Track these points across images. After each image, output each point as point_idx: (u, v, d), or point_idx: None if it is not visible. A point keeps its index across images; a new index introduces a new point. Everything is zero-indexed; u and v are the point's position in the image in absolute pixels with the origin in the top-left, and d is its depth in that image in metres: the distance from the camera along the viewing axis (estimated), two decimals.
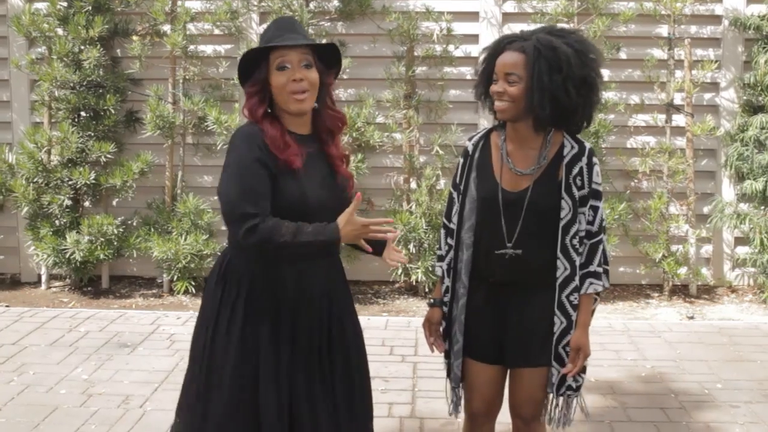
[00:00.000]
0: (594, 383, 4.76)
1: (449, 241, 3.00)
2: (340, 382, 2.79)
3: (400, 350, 5.32)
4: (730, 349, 5.38)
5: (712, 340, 5.55)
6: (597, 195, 2.85)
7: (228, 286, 2.74)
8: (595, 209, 2.85)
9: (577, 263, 2.84)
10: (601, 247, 2.87)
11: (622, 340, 5.56)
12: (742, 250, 6.72)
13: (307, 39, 2.75)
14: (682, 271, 6.51)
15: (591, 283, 2.86)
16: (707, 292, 6.77)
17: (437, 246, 3.10)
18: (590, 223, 2.85)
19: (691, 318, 6.12)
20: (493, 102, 2.86)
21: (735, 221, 6.45)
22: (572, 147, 2.84)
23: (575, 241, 2.82)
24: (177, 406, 2.94)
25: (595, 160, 2.85)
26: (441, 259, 3.04)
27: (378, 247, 3.01)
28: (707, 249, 6.81)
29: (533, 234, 2.83)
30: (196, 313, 2.92)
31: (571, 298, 2.86)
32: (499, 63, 2.80)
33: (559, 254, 2.82)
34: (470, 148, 2.97)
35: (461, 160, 2.99)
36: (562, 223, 2.81)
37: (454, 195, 2.99)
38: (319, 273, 2.78)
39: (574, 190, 2.81)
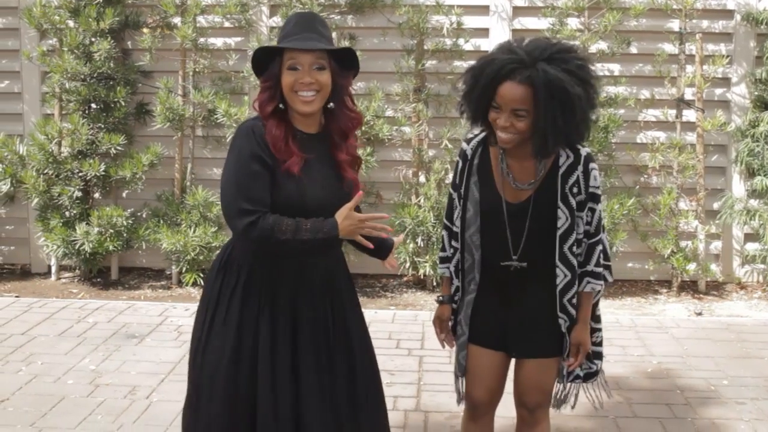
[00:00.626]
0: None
1: (454, 243, 3.01)
2: (343, 376, 2.79)
3: (406, 344, 5.33)
4: (738, 346, 5.37)
5: (720, 337, 5.54)
6: (595, 198, 2.85)
7: (228, 275, 2.76)
8: (593, 211, 2.86)
9: (577, 268, 2.87)
10: (599, 247, 2.89)
11: (629, 335, 5.55)
12: (752, 247, 6.69)
13: (322, 41, 2.70)
14: (691, 267, 6.48)
15: (588, 282, 2.89)
16: (716, 288, 6.74)
17: (440, 247, 3.10)
18: (588, 224, 2.86)
19: (699, 314, 6.10)
20: (490, 124, 2.81)
21: (745, 217, 6.43)
22: (567, 157, 2.83)
23: (574, 248, 2.84)
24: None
25: (592, 165, 2.84)
26: (446, 260, 3.06)
27: (383, 251, 3.02)
28: (716, 245, 6.78)
29: (536, 245, 2.85)
30: None
31: (573, 301, 2.89)
32: (505, 95, 2.69)
33: (557, 263, 2.85)
34: (468, 152, 2.95)
35: (459, 163, 2.98)
36: (559, 233, 2.83)
37: (455, 197, 2.99)
38: (320, 265, 2.79)
39: (571, 199, 2.82)
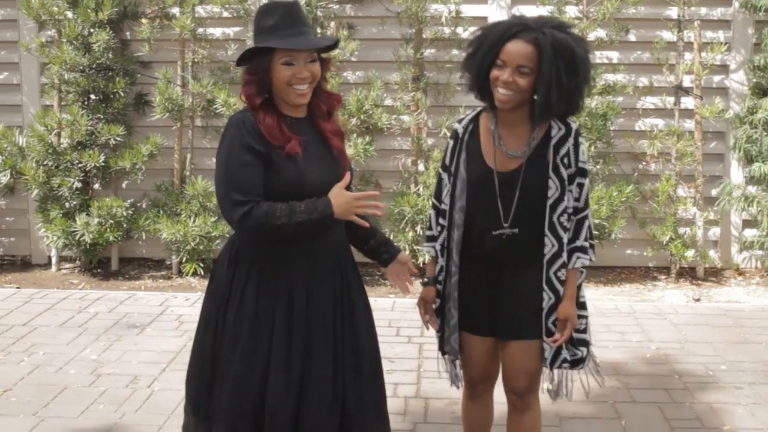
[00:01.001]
0: (599, 364, 4.78)
1: (441, 221, 3.05)
2: (349, 361, 2.82)
3: (406, 331, 5.36)
4: (736, 331, 5.39)
5: (718, 322, 5.56)
6: (583, 173, 2.92)
7: (239, 268, 2.76)
8: (581, 186, 2.92)
9: (565, 240, 2.91)
10: (587, 222, 2.95)
11: (627, 321, 5.58)
12: (750, 233, 6.70)
13: (311, 33, 2.74)
14: (690, 253, 6.51)
15: (578, 258, 2.94)
16: (714, 274, 6.76)
17: (427, 226, 3.14)
18: (576, 199, 2.92)
19: (698, 300, 6.13)
20: (489, 87, 2.86)
21: (743, 204, 6.44)
22: (559, 129, 2.90)
23: (563, 219, 2.89)
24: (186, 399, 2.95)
25: (581, 140, 2.92)
26: (432, 239, 3.09)
27: (383, 255, 3.05)
28: (715, 232, 6.80)
29: (526, 213, 2.90)
30: (204, 295, 2.92)
31: (559, 273, 2.93)
32: (511, 51, 2.77)
33: (546, 231, 2.89)
34: (460, 131, 3.01)
35: (451, 142, 3.03)
36: (549, 202, 2.88)
37: (444, 176, 3.04)
38: (330, 251, 2.82)
39: (562, 169, 2.88)
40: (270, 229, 2.61)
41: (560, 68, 2.74)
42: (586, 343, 3.04)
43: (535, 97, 2.85)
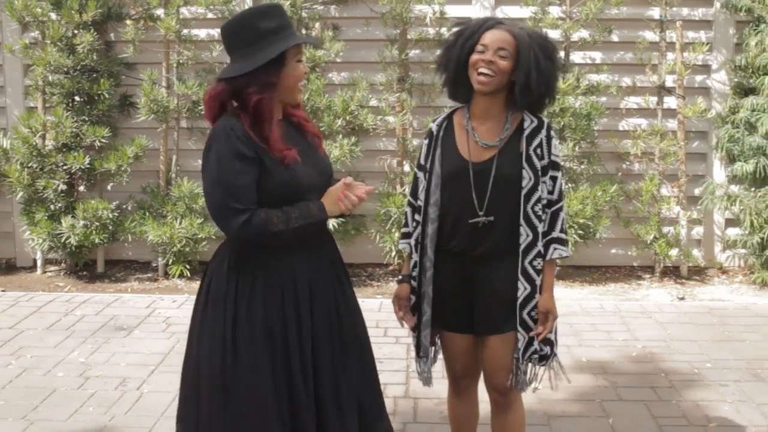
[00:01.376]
0: (585, 363, 4.83)
1: (416, 217, 3.10)
2: (353, 353, 2.84)
3: (393, 332, 5.37)
4: (720, 329, 5.45)
5: (703, 321, 5.62)
6: (555, 166, 3.00)
7: (243, 274, 2.72)
8: (554, 179, 2.99)
9: (540, 230, 2.96)
10: (561, 214, 3.01)
11: (613, 320, 5.62)
12: (733, 232, 6.77)
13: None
14: (674, 252, 6.57)
15: (555, 249, 2.99)
16: (698, 273, 6.83)
17: (403, 224, 3.19)
18: (550, 192, 2.99)
19: (682, 299, 6.18)
20: (466, 77, 2.94)
21: (726, 203, 6.50)
22: (531, 121, 3.00)
23: (537, 209, 2.95)
24: (182, 415, 2.87)
25: (552, 133, 3.01)
26: (407, 236, 3.14)
27: None
28: (698, 230, 6.86)
29: (501, 202, 2.95)
30: (191, 296, 2.89)
31: (534, 263, 2.97)
32: (491, 37, 2.89)
33: (521, 221, 2.95)
34: (434, 129, 3.09)
35: (426, 141, 3.10)
36: (523, 192, 2.95)
37: (420, 175, 3.10)
38: (326, 245, 2.86)
39: (535, 160, 2.95)
40: (269, 236, 2.62)
41: (538, 54, 2.88)
42: (551, 343, 3.06)
43: (511, 94, 2.94)
